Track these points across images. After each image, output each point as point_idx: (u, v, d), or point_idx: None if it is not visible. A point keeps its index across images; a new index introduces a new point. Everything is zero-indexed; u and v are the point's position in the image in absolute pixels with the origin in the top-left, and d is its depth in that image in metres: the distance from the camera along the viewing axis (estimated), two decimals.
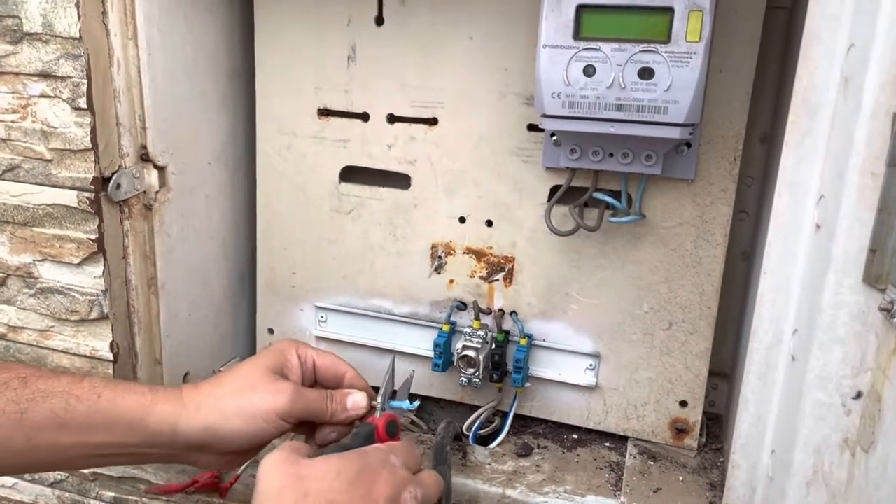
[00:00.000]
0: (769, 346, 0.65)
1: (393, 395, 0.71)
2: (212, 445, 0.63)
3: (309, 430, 0.69)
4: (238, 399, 0.63)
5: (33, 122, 0.76)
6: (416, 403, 0.70)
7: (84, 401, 0.61)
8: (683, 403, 0.84)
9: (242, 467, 0.82)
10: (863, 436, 0.54)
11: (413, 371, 0.76)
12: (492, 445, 0.88)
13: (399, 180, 0.89)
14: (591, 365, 0.86)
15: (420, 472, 0.61)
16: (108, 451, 0.62)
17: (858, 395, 0.55)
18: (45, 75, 0.74)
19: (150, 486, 0.85)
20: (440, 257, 0.89)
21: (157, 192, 0.83)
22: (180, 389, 0.65)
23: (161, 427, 0.62)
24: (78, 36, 0.72)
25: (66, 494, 0.91)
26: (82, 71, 0.73)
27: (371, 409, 0.68)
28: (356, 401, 0.68)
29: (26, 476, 0.91)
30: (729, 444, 0.79)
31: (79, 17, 0.72)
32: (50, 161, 0.77)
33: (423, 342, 0.91)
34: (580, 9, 0.68)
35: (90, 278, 0.80)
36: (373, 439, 0.62)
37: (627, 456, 0.86)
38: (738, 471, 0.69)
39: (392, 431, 0.64)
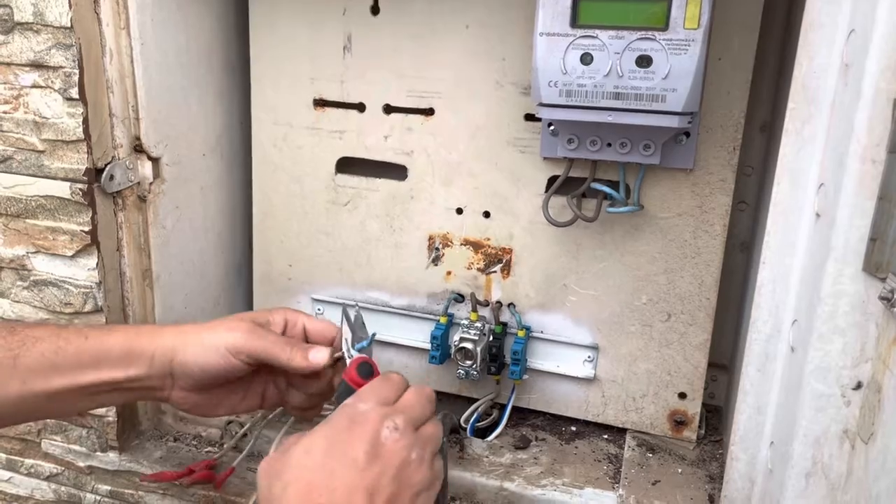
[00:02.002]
0: (768, 337, 0.64)
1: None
2: (179, 376, 0.65)
3: (276, 376, 0.71)
4: (201, 332, 0.66)
5: (25, 112, 0.76)
6: (374, 334, 0.69)
7: (73, 342, 0.64)
8: (682, 395, 0.84)
9: (236, 461, 0.81)
10: (862, 427, 0.53)
11: (357, 306, 0.73)
12: (489, 438, 0.87)
13: (395, 171, 0.88)
14: (589, 357, 0.86)
15: (401, 396, 0.59)
16: (97, 390, 0.64)
17: (858, 386, 0.55)
18: (36, 65, 0.74)
19: (144, 475, 0.84)
20: (437, 249, 0.88)
21: (151, 184, 0.82)
22: (164, 326, 0.69)
23: (142, 357, 0.65)
24: (69, 25, 0.71)
25: (62, 488, 0.90)
26: (74, 61, 0.72)
27: (336, 360, 0.67)
28: (316, 353, 0.66)
29: (22, 470, 0.91)
30: (728, 436, 0.78)
31: (70, 7, 0.71)
32: (42, 152, 0.76)
33: (420, 334, 0.91)
34: None
35: (84, 271, 0.79)
36: (352, 390, 0.61)
37: (626, 448, 0.85)
38: (737, 463, 0.69)
39: (364, 373, 0.63)
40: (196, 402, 0.68)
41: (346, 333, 0.67)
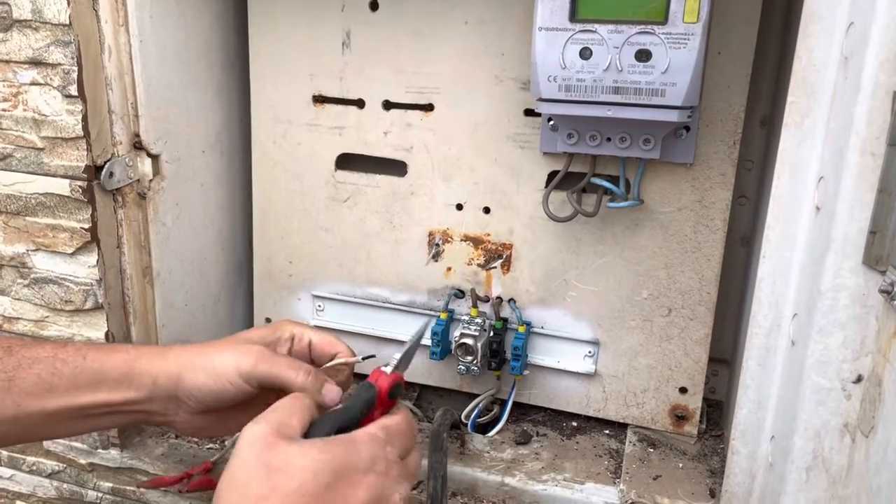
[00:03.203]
0: (768, 331, 0.64)
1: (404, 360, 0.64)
2: (185, 400, 0.64)
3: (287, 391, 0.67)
4: (210, 356, 0.64)
5: (24, 110, 0.76)
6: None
7: (70, 363, 0.62)
8: (683, 390, 0.84)
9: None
10: (863, 420, 0.53)
11: (427, 321, 0.68)
12: (490, 433, 0.87)
13: (395, 167, 0.88)
14: (589, 352, 0.86)
15: (410, 454, 0.58)
16: (93, 412, 0.63)
17: (859, 379, 0.54)
18: (35, 63, 0.74)
19: (141, 481, 0.84)
20: (437, 245, 0.88)
21: (150, 181, 0.82)
22: (167, 347, 0.66)
23: (143, 380, 0.63)
24: (68, 22, 0.71)
25: (64, 486, 0.91)
26: (73, 58, 0.72)
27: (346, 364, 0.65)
28: (330, 392, 0.63)
29: (24, 467, 0.91)
30: (729, 430, 0.78)
31: (68, 4, 0.71)
32: (42, 150, 0.76)
33: None
34: None
35: (84, 268, 0.79)
36: (373, 404, 0.58)
37: (627, 443, 0.85)
38: (737, 457, 0.69)
39: (395, 394, 0.59)
40: (202, 424, 0.66)
41: (410, 347, 0.63)
